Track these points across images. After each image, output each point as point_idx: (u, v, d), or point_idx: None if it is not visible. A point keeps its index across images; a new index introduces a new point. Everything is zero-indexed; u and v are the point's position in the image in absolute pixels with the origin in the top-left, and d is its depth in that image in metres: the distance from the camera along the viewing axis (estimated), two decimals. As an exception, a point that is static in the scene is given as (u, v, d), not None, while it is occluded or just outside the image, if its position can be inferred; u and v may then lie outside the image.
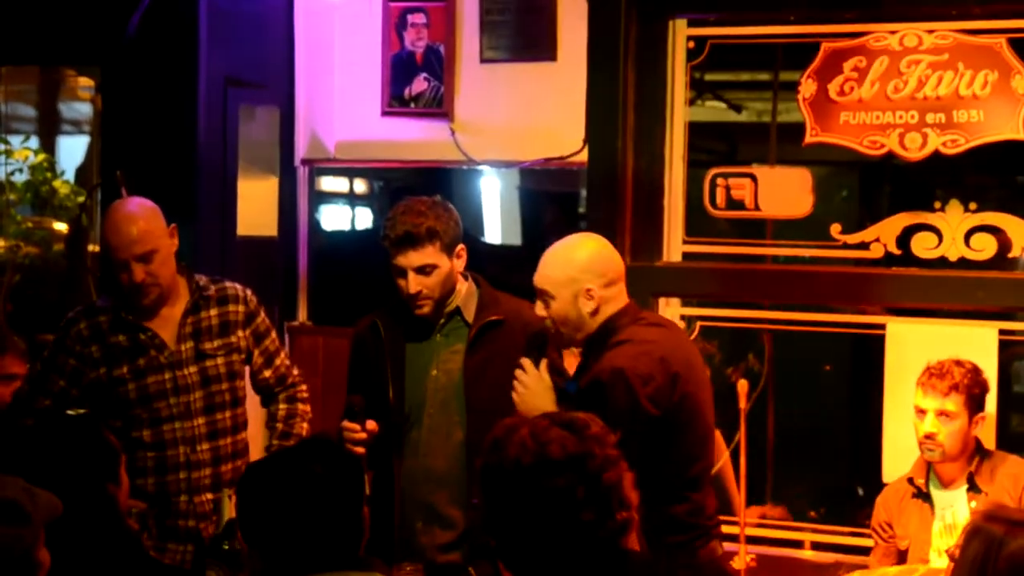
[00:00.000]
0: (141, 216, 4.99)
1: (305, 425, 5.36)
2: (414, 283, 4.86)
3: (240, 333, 5.18)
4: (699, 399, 4.56)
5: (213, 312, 5.15)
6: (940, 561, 4.81)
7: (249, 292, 5.27)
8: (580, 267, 4.53)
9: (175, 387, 5.06)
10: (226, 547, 4.32)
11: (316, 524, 3.24)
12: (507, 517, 3.17)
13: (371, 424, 4.81)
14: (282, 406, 5.33)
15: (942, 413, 5.01)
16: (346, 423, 4.81)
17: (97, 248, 7.05)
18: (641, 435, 4.33)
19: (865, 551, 5.43)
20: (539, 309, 4.60)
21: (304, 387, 5.42)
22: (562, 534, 3.12)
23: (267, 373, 5.28)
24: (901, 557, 5.11)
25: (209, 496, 4.99)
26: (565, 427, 3.17)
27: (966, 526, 3.66)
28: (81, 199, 7.83)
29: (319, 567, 3.21)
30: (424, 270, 4.86)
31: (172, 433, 5.05)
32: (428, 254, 4.86)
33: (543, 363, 4.56)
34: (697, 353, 4.75)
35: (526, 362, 4.55)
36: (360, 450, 4.76)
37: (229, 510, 4.42)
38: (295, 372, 5.41)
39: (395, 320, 5.02)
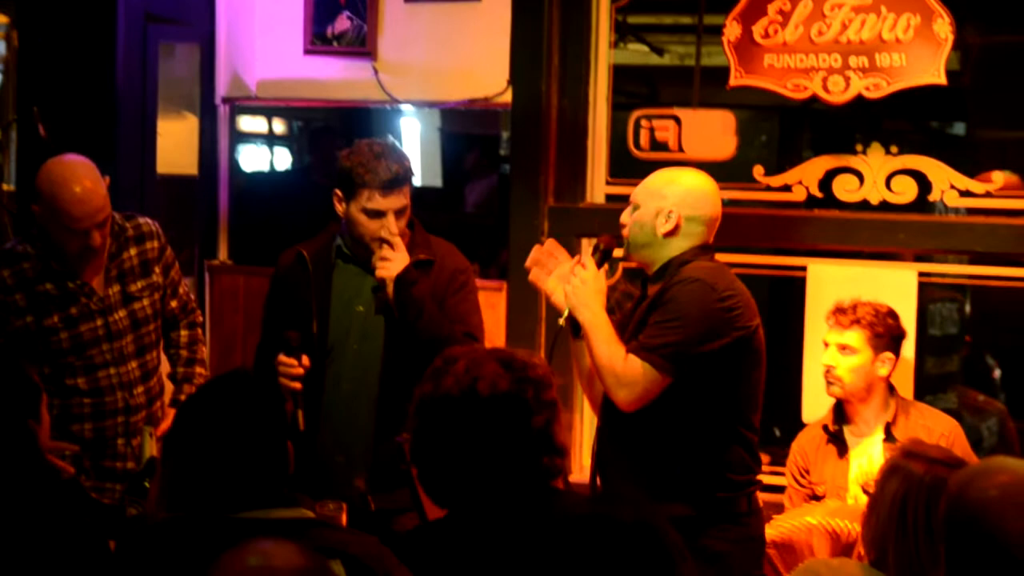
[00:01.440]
0: (95, 182, 4.89)
1: (205, 349, 5.40)
2: (394, 224, 4.84)
3: (156, 269, 5.15)
4: (763, 339, 4.57)
5: (133, 252, 5.10)
6: (863, 497, 4.86)
7: (157, 225, 5.23)
8: (674, 189, 4.51)
9: (108, 333, 5.02)
10: (147, 484, 4.30)
11: (240, 462, 3.21)
12: (432, 446, 3.18)
13: (305, 359, 4.80)
14: (184, 332, 5.33)
15: (843, 347, 5.09)
16: (283, 358, 4.79)
17: (12, 187, 6.96)
18: (712, 350, 4.35)
19: (783, 491, 5.47)
20: (624, 216, 4.58)
21: (199, 311, 5.43)
22: (482, 469, 3.12)
23: (173, 304, 5.26)
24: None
25: None
26: (503, 364, 3.17)
27: (884, 463, 3.69)
28: (-4, 136, 7.72)
29: (245, 505, 3.19)
30: (402, 212, 4.85)
31: (108, 380, 5.02)
32: (406, 195, 4.86)
33: (605, 267, 4.60)
34: None
35: (589, 261, 4.54)
36: (297, 385, 4.75)
37: (150, 448, 4.40)
38: (193, 298, 5.42)
39: (321, 254, 4.99)
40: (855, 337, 5.08)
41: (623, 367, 4.35)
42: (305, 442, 4.77)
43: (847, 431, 5.19)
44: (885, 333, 5.09)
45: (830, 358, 5.13)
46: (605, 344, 4.39)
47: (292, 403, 4.75)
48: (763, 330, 4.52)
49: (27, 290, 4.95)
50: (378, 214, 4.83)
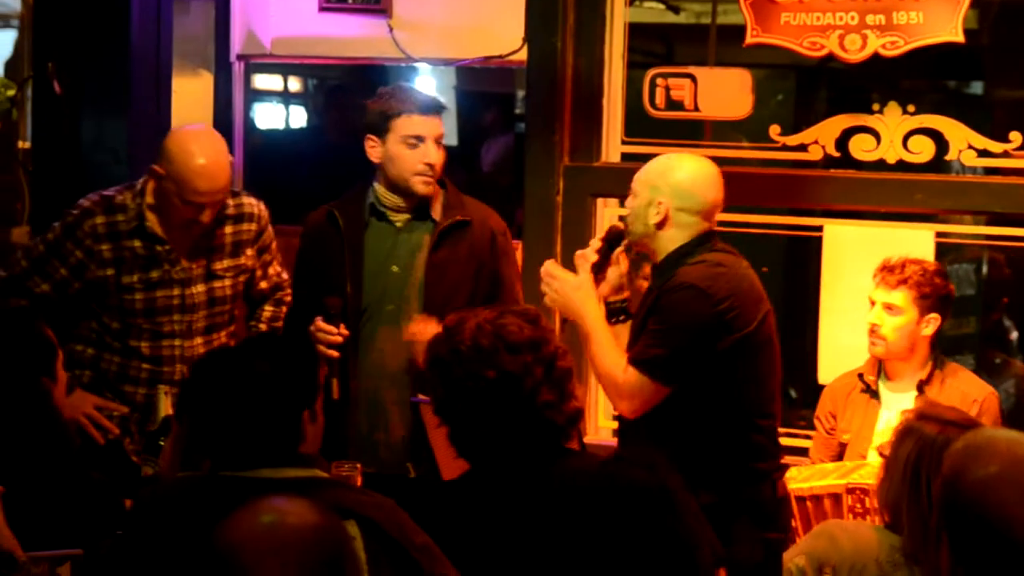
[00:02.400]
0: (225, 159, 4.92)
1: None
2: (434, 152, 4.84)
3: (249, 252, 5.13)
4: (773, 324, 4.53)
5: (228, 230, 5.09)
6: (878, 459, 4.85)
7: (263, 206, 5.21)
8: (667, 180, 4.47)
9: (182, 304, 5.01)
10: (162, 443, 4.30)
11: (254, 420, 3.22)
12: (464, 402, 3.19)
13: (343, 327, 4.77)
14: (268, 308, 5.33)
15: (888, 306, 5.06)
16: (322, 324, 4.76)
17: (28, 144, 6.95)
18: (711, 355, 4.31)
19: (800, 452, 5.47)
20: (628, 202, 4.58)
21: (290, 290, 5.38)
22: (520, 415, 3.14)
23: (263, 284, 5.26)
24: (840, 451, 5.15)
25: None
26: (518, 315, 3.20)
27: (898, 425, 3.68)
28: (11, 93, 7.70)
29: (258, 463, 3.19)
30: (439, 141, 4.86)
31: (171, 350, 5.02)
32: (441, 125, 4.86)
33: (618, 254, 4.57)
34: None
35: (585, 269, 4.50)
36: (334, 353, 4.72)
37: (165, 407, 4.40)
38: (284, 276, 5.38)
39: (353, 213, 4.96)
40: (901, 297, 5.04)
41: (623, 378, 4.34)
42: (339, 409, 4.75)
43: (883, 385, 5.18)
44: (932, 293, 5.06)
45: (875, 316, 5.09)
46: (604, 354, 4.39)
47: (328, 370, 4.73)
48: (773, 315, 4.49)
49: (115, 243, 4.96)
50: (419, 139, 4.82)
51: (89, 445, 4.66)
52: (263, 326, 5.31)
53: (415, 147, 4.83)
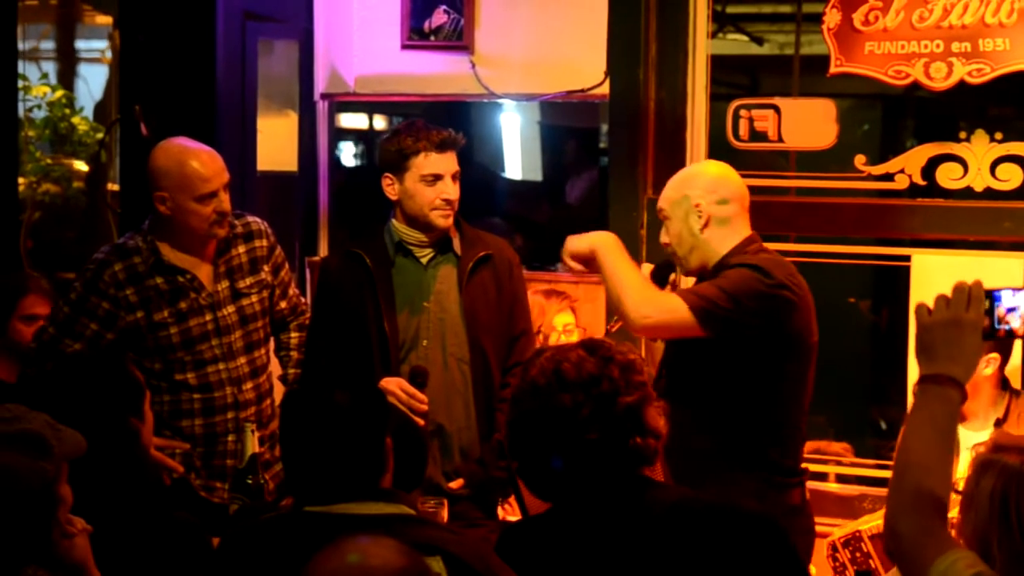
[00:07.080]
0: (209, 148, 5.02)
1: None
2: (452, 188, 4.86)
3: (265, 268, 5.17)
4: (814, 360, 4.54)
5: (241, 249, 5.14)
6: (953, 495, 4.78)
7: (266, 225, 5.27)
8: (691, 184, 4.54)
9: (216, 328, 5.04)
10: (249, 481, 4.33)
11: (341, 454, 3.23)
12: (523, 437, 3.18)
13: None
14: (294, 334, 5.34)
15: None
16: (413, 391, 4.73)
17: (116, 186, 7.03)
18: (748, 322, 4.29)
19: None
20: (663, 236, 4.61)
21: (308, 313, 5.42)
22: (574, 454, 3.11)
23: (283, 304, 5.28)
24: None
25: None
26: (588, 349, 3.17)
27: (974, 460, 3.60)
28: (100, 135, 7.80)
29: (343, 497, 3.20)
30: (456, 176, 4.88)
31: (217, 375, 5.04)
32: (457, 162, 4.88)
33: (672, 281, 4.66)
34: None
35: None
36: (421, 421, 4.69)
37: (252, 445, 4.42)
38: (303, 300, 5.44)
39: (378, 252, 4.97)
40: None
41: (656, 292, 4.42)
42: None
43: (960, 428, 5.10)
44: (990, 327, 4.98)
45: None
46: (624, 272, 4.41)
47: None
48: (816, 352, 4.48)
49: (138, 285, 4.98)
50: (436, 177, 4.85)
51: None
52: (294, 353, 5.32)
53: (433, 184, 4.85)
